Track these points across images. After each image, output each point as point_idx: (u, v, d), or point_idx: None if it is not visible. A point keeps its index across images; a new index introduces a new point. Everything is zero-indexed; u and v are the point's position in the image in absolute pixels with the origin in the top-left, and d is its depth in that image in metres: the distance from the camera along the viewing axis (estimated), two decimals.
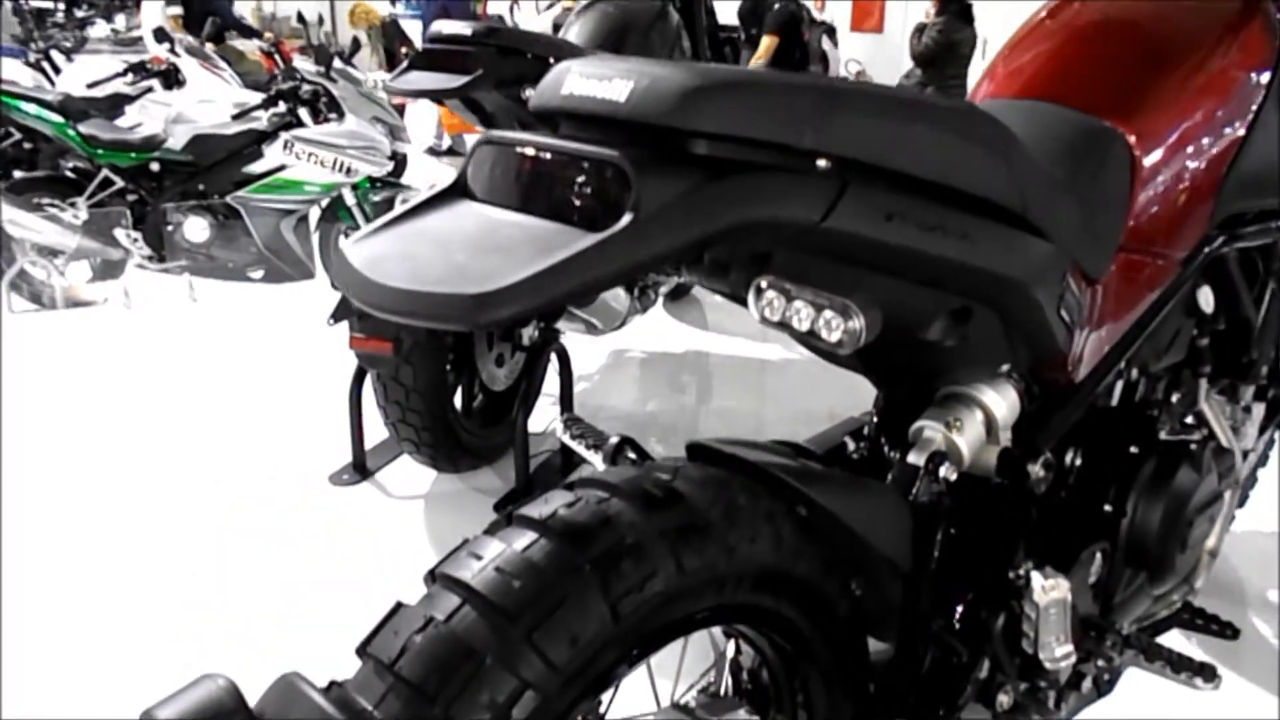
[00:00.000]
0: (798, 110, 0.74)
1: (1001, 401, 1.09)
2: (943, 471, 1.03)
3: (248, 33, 8.86)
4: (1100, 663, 1.21)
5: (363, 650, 0.77)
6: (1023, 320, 0.94)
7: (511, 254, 0.66)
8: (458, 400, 2.38)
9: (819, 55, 7.39)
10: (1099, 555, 1.19)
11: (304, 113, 4.39)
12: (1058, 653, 0.95)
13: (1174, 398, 1.33)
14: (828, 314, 0.77)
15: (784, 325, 0.80)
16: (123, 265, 4.23)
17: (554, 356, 2.44)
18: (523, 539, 0.80)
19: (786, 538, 0.91)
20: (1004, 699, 1.03)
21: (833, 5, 8.50)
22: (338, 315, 2.04)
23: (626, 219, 0.67)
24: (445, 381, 2.24)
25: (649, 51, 2.80)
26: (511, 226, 0.72)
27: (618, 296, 2.40)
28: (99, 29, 9.10)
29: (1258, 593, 2.01)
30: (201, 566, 2.09)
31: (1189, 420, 1.42)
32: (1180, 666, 1.14)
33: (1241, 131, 1.25)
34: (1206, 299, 1.30)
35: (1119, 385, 1.30)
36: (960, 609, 1.06)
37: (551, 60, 1.93)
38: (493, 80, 1.99)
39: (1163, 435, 1.25)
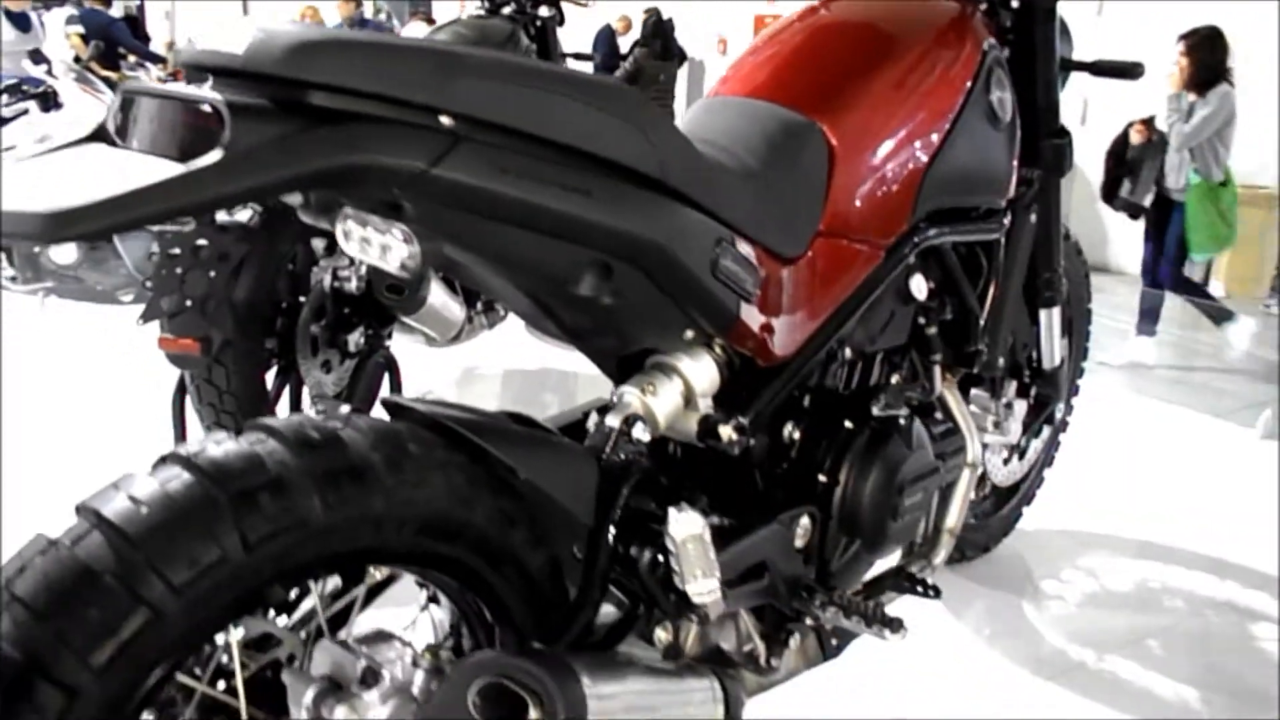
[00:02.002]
0: (412, 68, 0.81)
1: (699, 370, 1.16)
2: (636, 433, 1.10)
3: (151, 59, 8.79)
4: (810, 622, 1.29)
5: None
6: (669, 280, 1.01)
7: (102, 182, 0.71)
8: (284, 407, 2.39)
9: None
10: (806, 519, 1.26)
11: None
12: (703, 587, 1.01)
13: (893, 378, 1.42)
14: (389, 239, 0.83)
15: (362, 254, 0.85)
16: None
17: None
18: (168, 474, 0.84)
19: (459, 486, 0.96)
20: (661, 634, 1.09)
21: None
22: (147, 315, 2.04)
23: (215, 154, 0.72)
24: (264, 387, 2.24)
25: None
26: (121, 163, 0.77)
27: (448, 306, 2.43)
28: None
29: (1033, 580, 2.15)
30: None
31: (930, 405, 1.52)
32: (872, 620, 1.22)
33: (943, 132, 1.36)
34: (919, 286, 1.40)
35: (844, 365, 1.39)
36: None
37: None
38: None
39: (875, 411, 1.34)
